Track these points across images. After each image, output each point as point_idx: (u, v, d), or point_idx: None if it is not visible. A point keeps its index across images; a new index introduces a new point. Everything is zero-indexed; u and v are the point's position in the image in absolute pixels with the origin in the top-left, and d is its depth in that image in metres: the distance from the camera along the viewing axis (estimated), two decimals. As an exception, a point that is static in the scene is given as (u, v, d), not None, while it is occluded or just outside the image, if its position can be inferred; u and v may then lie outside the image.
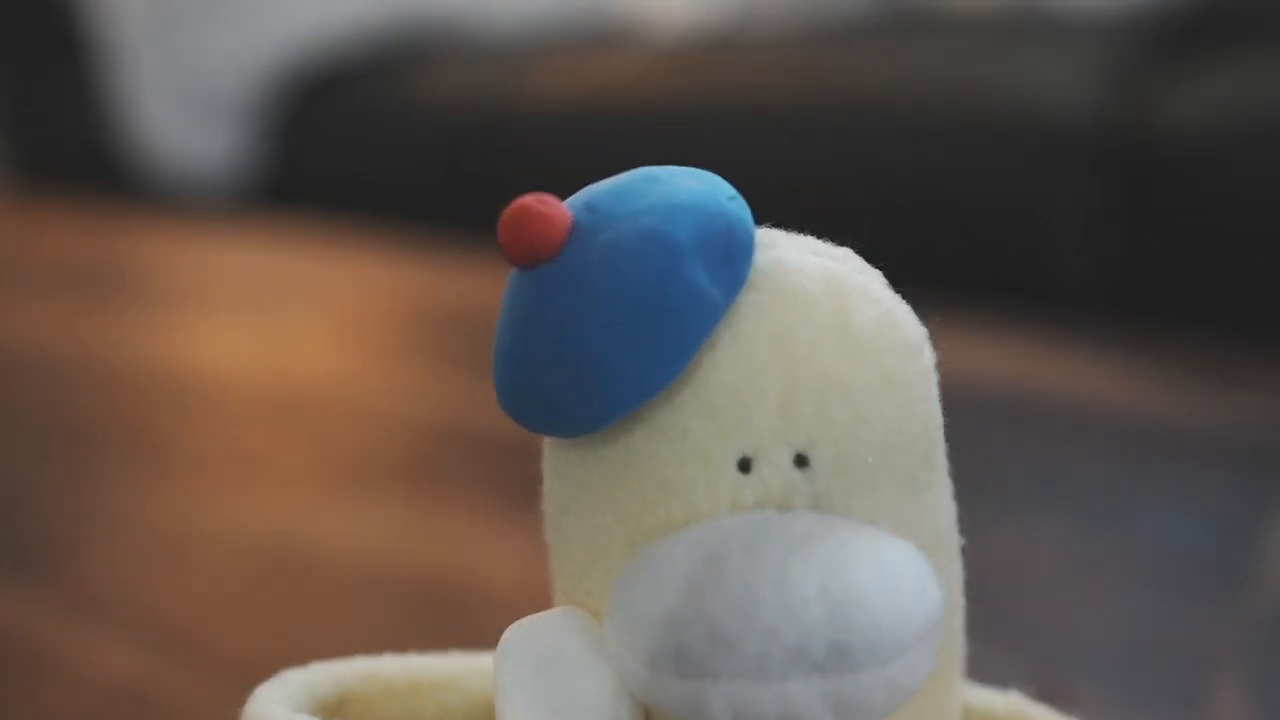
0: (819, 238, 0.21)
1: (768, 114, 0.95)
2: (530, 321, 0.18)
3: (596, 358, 0.18)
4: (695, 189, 0.19)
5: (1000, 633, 0.40)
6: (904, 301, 0.20)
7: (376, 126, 1.23)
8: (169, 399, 0.69)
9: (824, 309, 0.19)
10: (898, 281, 0.23)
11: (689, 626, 0.17)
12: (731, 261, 0.18)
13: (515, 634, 0.19)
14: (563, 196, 0.19)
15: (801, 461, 0.19)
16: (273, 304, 0.88)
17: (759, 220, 0.20)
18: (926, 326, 0.21)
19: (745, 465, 0.18)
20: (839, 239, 0.22)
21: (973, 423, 0.54)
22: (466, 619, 0.42)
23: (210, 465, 0.59)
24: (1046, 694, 0.22)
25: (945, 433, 0.21)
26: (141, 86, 1.31)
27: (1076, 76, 0.85)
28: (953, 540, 0.20)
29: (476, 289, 0.86)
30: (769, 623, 0.17)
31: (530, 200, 0.18)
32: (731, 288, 0.18)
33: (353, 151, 1.25)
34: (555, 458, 0.20)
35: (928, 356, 0.20)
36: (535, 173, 1.20)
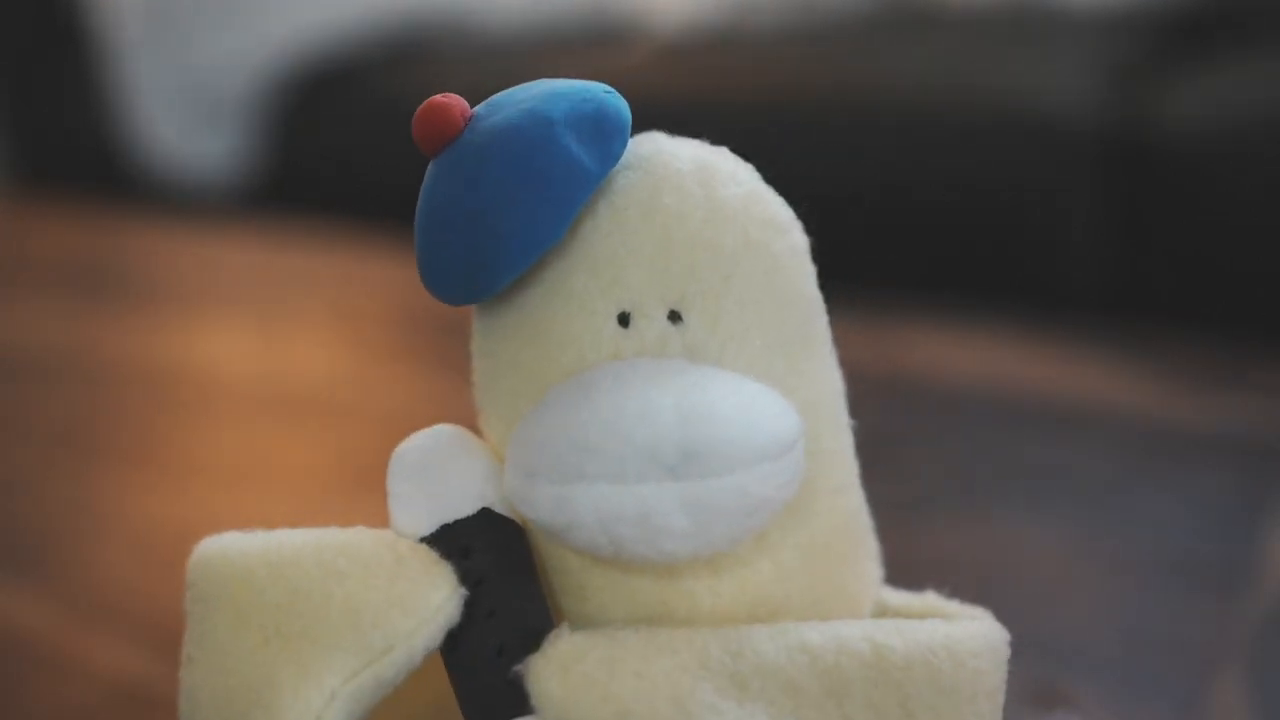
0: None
1: (767, 111, 0.95)
2: (433, 195, 0.21)
3: (485, 217, 0.20)
4: (576, 83, 0.21)
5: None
6: (772, 191, 0.22)
7: (377, 125, 1.23)
8: (169, 399, 0.69)
9: (691, 182, 0.21)
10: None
11: (560, 437, 0.19)
12: (603, 136, 0.20)
13: (403, 446, 0.22)
14: None
15: (675, 317, 0.20)
16: (273, 304, 0.88)
17: None
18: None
19: (624, 319, 0.21)
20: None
21: (973, 421, 0.54)
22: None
23: (210, 465, 0.59)
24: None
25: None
26: (142, 86, 1.31)
27: (1077, 75, 0.85)
28: (836, 415, 0.22)
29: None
30: (626, 429, 0.19)
31: (435, 96, 0.21)
32: (604, 159, 0.20)
33: (353, 151, 1.25)
34: (476, 333, 0.23)
35: (796, 236, 0.22)
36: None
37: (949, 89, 0.89)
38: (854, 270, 0.81)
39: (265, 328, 0.82)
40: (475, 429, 0.23)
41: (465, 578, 0.21)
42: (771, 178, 0.22)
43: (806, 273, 0.22)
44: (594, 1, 1.37)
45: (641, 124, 0.21)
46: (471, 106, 0.21)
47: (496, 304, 0.22)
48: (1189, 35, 0.90)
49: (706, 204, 0.21)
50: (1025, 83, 0.86)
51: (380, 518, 0.54)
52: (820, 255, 0.22)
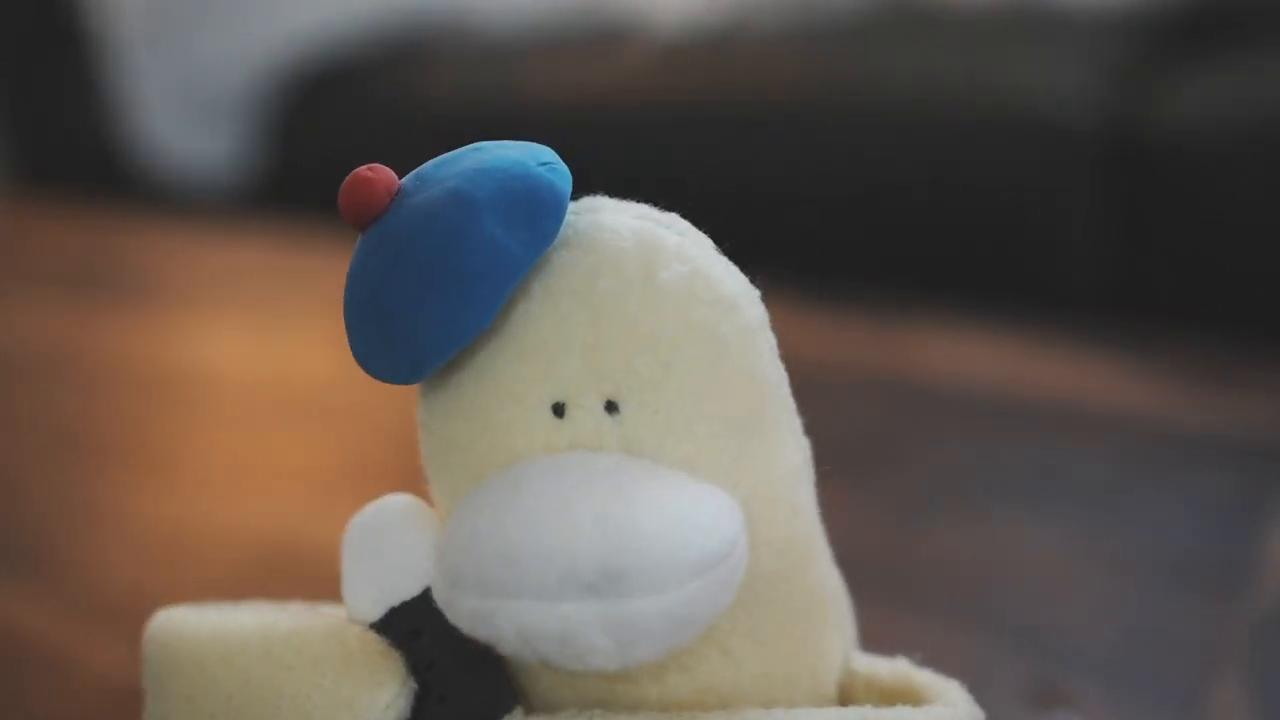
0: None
1: (767, 112, 0.95)
2: (358, 277, 0.20)
3: (406, 308, 0.19)
4: (509, 156, 0.20)
5: (999, 632, 0.40)
6: (728, 263, 0.21)
7: (377, 125, 1.23)
8: (169, 399, 0.69)
9: (631, 263, 0.20)
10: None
11: (483, 548, 0.18)
12: (534, 219, 0.19)
13: (352, 523, 0.22)
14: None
15: (612, 408, 0.20)
16: (273, 304, 0.88)
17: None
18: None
19: (559, 410, 0.20)
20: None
21: (973, 422, 0.54)
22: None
23: (210, 465, 0.59)
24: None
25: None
26: (142, 86, 1.31)
27: (1077, 75, 0.85)
28: (792, 496, 0.21)
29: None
30: (548, 543, 0.18)
31: (362, 169, 0.20)
32: (534, 243, 0.19)
33: (353, 150, 1.24)
34: (420, 406, 0.22)
35: (750, 312, 0.21)
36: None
37: (949, 89, 0.89)
38: (854, 270, 0.81)
39: (265, 328, 0.82)
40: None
41: (415, 665, 0.20)
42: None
43: (758, 351, 0.21)
44: (593, 2, 1.37)
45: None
46: (404, 173, 0.21)
47: (433, 383, 0.21)
48: (1189, 35, 0.90)
49: (645, 287, 0.20)
50: (1025, 82, 0.86)
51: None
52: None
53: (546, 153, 0.20)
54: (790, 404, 0.21)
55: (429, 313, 0.19)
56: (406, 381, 0.20)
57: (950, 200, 0.85)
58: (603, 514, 0.18)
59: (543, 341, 0.20)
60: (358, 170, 0.20)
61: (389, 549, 0.21)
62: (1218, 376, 0.60)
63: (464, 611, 0.19)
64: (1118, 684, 0.37)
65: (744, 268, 0.21)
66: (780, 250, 0.64)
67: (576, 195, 0.21)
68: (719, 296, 0.20)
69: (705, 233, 0.21)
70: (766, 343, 0.21)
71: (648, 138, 0.98)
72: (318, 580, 0.46)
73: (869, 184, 0.88)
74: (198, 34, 1.32)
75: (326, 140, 1.26)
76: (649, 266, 0.20)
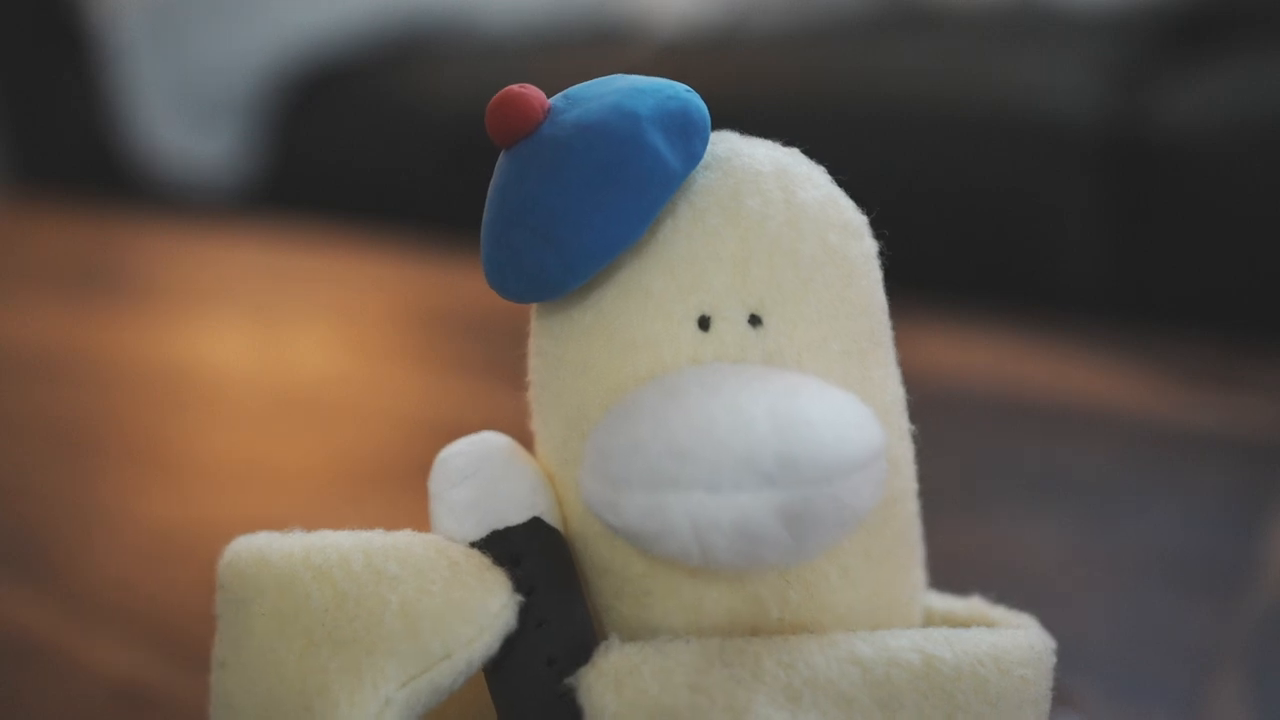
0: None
1: (766, 111, 0.95)
2: (508, 190, 0.20)
3: (565, 214, 0.19)
4: (658, 80, 0.21)
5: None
6: (844, 194, 0.22)
7: (377, 126, 1.23)
8: (169, 399, 0.69)
9: (771, 186, 0.21)
10: (898, 280, 0.23)
11: (651, 444, 0.18)
12: (687, 136, 0.20)
13: (447, 451, 0.22)
14: None
15: (755, 321, 0.20)
16: (273, 304, 0.88)
17: None
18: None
19: (704, 323, 0.20)
20: None
21: (973, 421, 0.54)
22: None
23: (210, 465, 0.59)
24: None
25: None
26: (142, 86, 1.31)
27: (1077, 75, 0.85)
28: (900, 421, 0.22)
29: (477, 289, 0.86)
30: (721, 436, 0.18)
31: (512, 87, 0.20)
32: (688, 160, 0.20)
33: (354, 151, 1.25)
34: (537, 334, 0.22)
35: (869, 241, 0.22)
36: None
37: (949, 89, 0.89)
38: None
39: (265, 328, 0.82)
40: (476, 430, 0.23)
41: (517, 586, 0.20)
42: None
43: (877, 279, 0.22)
44: (593, 2, 1.37)
45: None
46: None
47: (564, 304, 0.21)
48: (1188, 35, 0.90)
49: (787, 208, 0.21)
50: (1025, 82, 0.86)
51: (380, 517, 0.54)
52: None
53: (683, 85, 0.21)
54: (892, 338, 0.22)
55: (589, 222, 0.19)
56: (550, 297, 0.20)
57: (950, 199, 0.86)
58: (773, 407, 0.18)
59: (692, 255, 0.20)
60: (508, 88, 0.20)
61: (489, 477, 0.21)
62: (1218, 376, 0.60)
63: (631, 506, 0.18)
64: (1118, 684, 0.37)
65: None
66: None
67: None
68: (847, 221, 0.21)
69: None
70: (879, 273, 0.22)
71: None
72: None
73: (868, 183, 0.88)
74: (198, 34, 1.32)
75: (327, 140, 1.26)
76: (788, 189, 0.21)
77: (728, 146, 0.21)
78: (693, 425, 0.18)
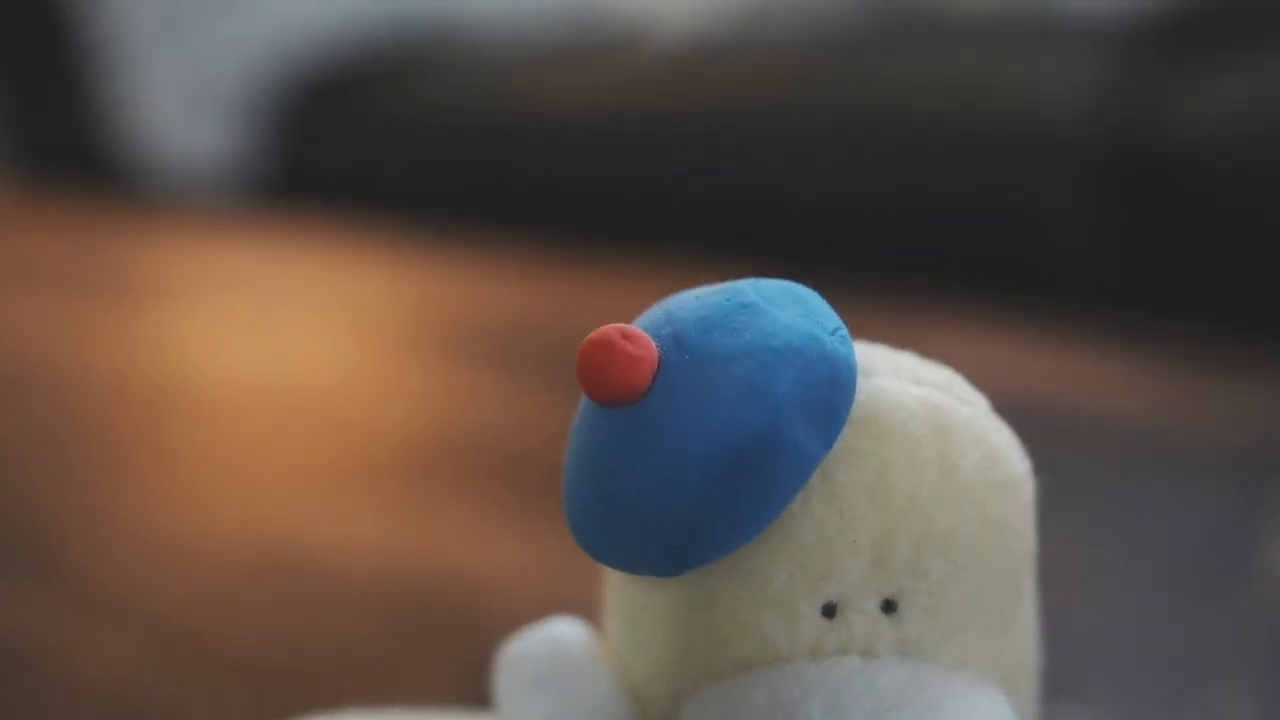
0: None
1: (768, 120, 0.95)
2: (611, 463, 0.17)
3: (683, 508, 0.17)
4: (797, 327, 0.17)
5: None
6: (1006, 431, 0.19)
7: (378, 128, 1.23)
8: (168, 399, 0.69)
9: (927, 453, 0.18)
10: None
11: None
12: (832, 409, 0.17)
13: (514, 645, 0.19)
14: (569, 198, 0.18)
15: (889, 607, 0.18)
16: (273, 304, 0.88)
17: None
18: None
19: (829, 610, 0.18)
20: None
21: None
22: (465, 621, 0.42)
23: (210, 465, 0.59)
24: (1044, 694, 0.22)
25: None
26: (143, 85, 1.31)
27: (1078, 80, 0.85)
28: (1034, 661, 0.20)
29: (477, 293, 0.86)
30: None
31: (615, 336, 0.17)
32: (831, 436, 0.17)
33: (354, 152, 1.25)
34: (622, 578, 0.19)
35: (1028, 490, 0.19)
36: (538, 175, 1.20)
37: (951, 96, 0.89)
38: (856, 276, 0.81)
39: (265, 328, 0.82)
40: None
41: None
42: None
43: (1031, 529, 0.19)
44: (595, 12, 1.37)
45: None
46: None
47: None
48: (1190, 40, 0.90)
49: (942, 480, 0.18)
50: (1027, 88, 0.86)
51: (380, 519, 0.54)
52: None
53: (828, 313, 0.18)
54: (1033, 576, 0.20)
55: (708, 513, 0.17)
56: (650, 575, 0.18)
57: (951, 205, 0.86)
58: None
59: (826, 542, 0.17)
60: (609, 336, 0.17)
61: (565, 689, 0.19)
62: (1218, 378, 0.60)
63: None
64: (1117, 684, 0.37)
65: (745, 273, 0.20)
66: (781, 258, 0.64)
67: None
68: (1009, 480, 0.19)
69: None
70: (1033, 516, 0.19)
71: (648, 147, 0.98)
72: (318, 580, 0.46)
73: (870, 191, 0.88)
74: (198, 34, 1.32)
75: (328, 141, 1.26)
76: (946, 455, 0.18)
77: (871, 391, 0.18)
78: None
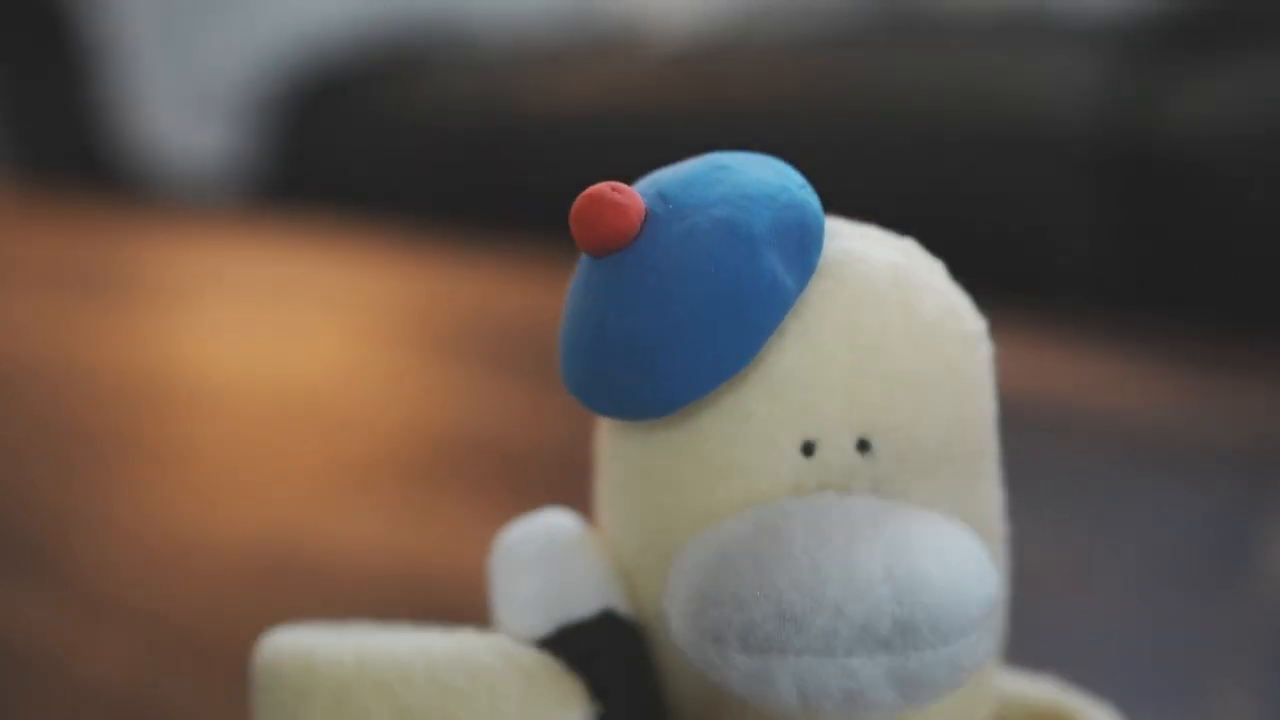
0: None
1: (769, 120, 0.95)
2: (602, 309, 0.18)
3: (670, 346, 0.18)
4: (767, 179, 0.19)
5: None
6: (962, 293, 0.20)
7: (377, 127, 1.23)
8: (169, 399, 0.69)
9: (891, 299, 0.19)
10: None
11: (756, 603, 0.17)
12: (805, 251, 0.18)
13: (511, 536, 0.20)
14: (567, 199, 0.19)
15: (864, 446, 0.19)
16: (273, 304, 0.88)
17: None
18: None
19: (808, 449, 0.19)
20: None
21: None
22: (465, 620, 0.42)
23: (211, 465, 0.59)
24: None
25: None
26: (143, 86, 1.31)
27: (1078, 79, 0.85)
28: (1001, 527, 0.21)
29: (477, 291, 0.86)
30: (836, 600, 0.17)
31: (604, 189, 0.18)
32: (804, 276, 0.18)
33: (354, 153, 1.25)
34: (616, 441, 0.20)
35: (985, 348, 0.20)
36: (538, 176, 1.20)
37: (951, 95, 0.89)
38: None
39: (265, 328, 0.82)
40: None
41: (593, 692, 0.19)
42: None
43: (990, 388, 0.20)
44: (596, 11, 1.37)
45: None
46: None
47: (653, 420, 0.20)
48: (1190, 39, 0.90)
49: (906, 324, 0.19)
50: (1027, 87, 0.86)
51: (381, 518, 0.54)
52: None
53: (794, 171, 0.19)
54: (996, 445, 0.21)
55: (695, 349, 0.18)
56: (641, 418, 0.19)
57: (950, 205, 0.86)
58: (891, 566, 0.17)
59: (801, 379, 0.19)
60: (599, 190, 0.18)
61: (556, 566, 0.20)
62: (1218, 377, 0.60)
63: (735, 668, 0.17)
64: (1118, 684, 0.37)
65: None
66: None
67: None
68: (968, 332, 0.20)
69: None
70: (993, 377, 0.21)
71: (649, 146, 0.98)
72: (319, 579, 0.46)
73: (869, 190, 0.88)
74: (198, 35, 1.32)
75: (328, 142, 1.26)
76: (908, 302, 0.19)
77: (840, 249, 0.19)
78: (803, 585, 0.17)
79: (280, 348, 0.77)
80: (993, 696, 0.21)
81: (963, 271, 0.22)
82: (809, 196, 0.19)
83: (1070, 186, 0.82)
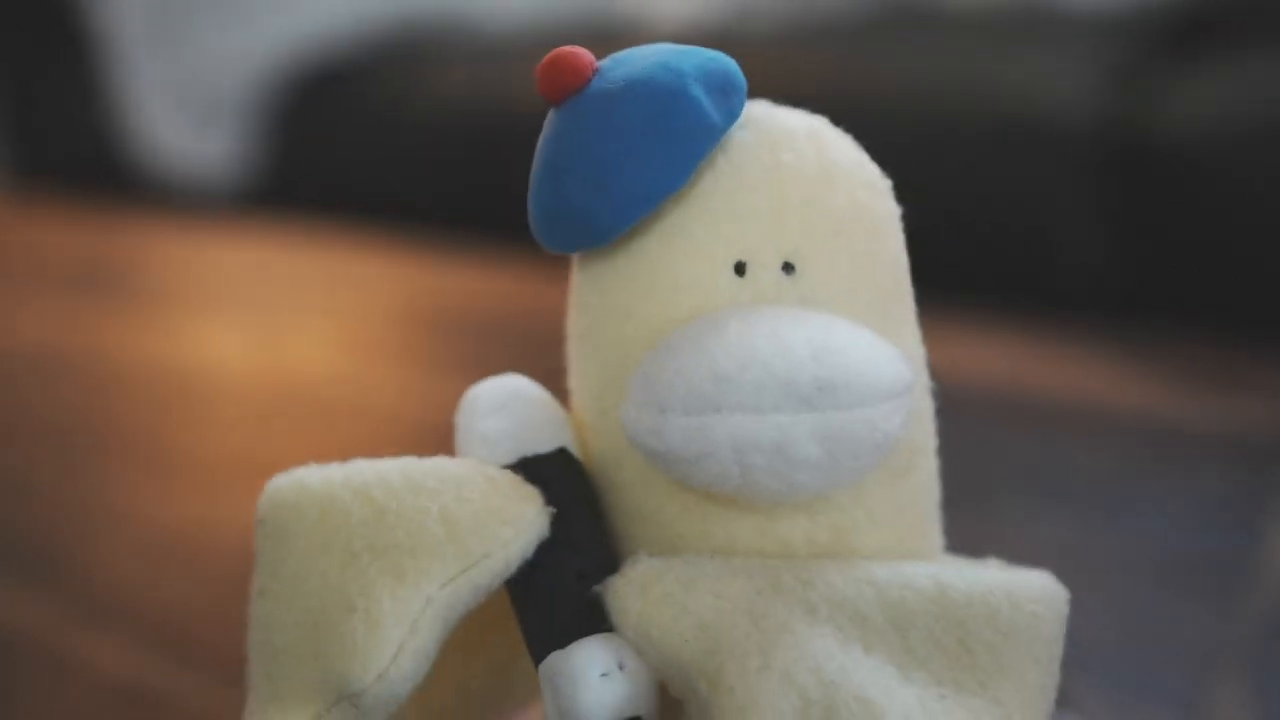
0: None
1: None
2: (558, 141, 0.21)
3: (614, 161, 0.20)
4: (698, 50, 0.22)
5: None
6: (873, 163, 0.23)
7: (376, 126, 1.23)
8: (169, 398, 0.69)
9: (805, 143, 0.22)
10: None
11: (693, 370, 0.19)
12: (727, 94, 0.21)
13: (478, 386, 0.23)
14: None
15: (789, 268, 0.21)
16: (273, 304, 0.88)
17: None
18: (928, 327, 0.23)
19: (740, 269, 0.21)
20: None
21: (973, 421, 0.54)
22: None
23: (210, 465, 0.59)
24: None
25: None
26: (142, 86, 1.31)
27: (1077, 76, 0.85)
28: (923, 374, 0.23)
29: (475, 289, 0.86)
30: (762, 360, 0.19)
31: (562, 48, 0.21)
32: (727, 115, 0.21)
33: (353, 151, 1.25)
34: (579, 287, 0.23)
35: (893, 202, 0.23)
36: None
37: (949, 90, 0.89)
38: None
39: (264, 327, 0.82)
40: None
41: (548, 500, 0.21)
42: None
43: (900, 238, 0.23)
44: (593, 3, 1.37)
45: None
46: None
47: (607, 252, 0.22)
48: (1190, 36, 0.90)
49: (819, 164, 0.22)
50: (1025, 83, 0.86)
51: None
52: None
53: (721, 53, 0.22)
54: (913, 300, 0.23)
55: (635, 170, 0.20)
56: (594, 244, 0.21)
57: (950, 201, 0.85)
58: (811, 337, 0.20)
59: (730, 205, 0.21)
60: (559, 49, 0.21)
61: (518, 410, 0.23)
62: (1217, 376, 0.60)
63: (674, 430, 0.19)
64: (1118, 683, 0.37)
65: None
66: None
67: None
68: (873, 180, 0.23)
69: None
70: (902, 233, 0.23)
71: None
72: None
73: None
74: (198, 34, 1.32)
75: (326, 141, 1.26)
76: (820, 147, 0.22)
77: (763, 110, 0.23)
78: (734, 352, 0.19)
79: (280, 346, 0.77)
80: (938, 542, 0.23)
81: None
82: (732, 62, 0.22)
83: (1070, 184, 0.82)
